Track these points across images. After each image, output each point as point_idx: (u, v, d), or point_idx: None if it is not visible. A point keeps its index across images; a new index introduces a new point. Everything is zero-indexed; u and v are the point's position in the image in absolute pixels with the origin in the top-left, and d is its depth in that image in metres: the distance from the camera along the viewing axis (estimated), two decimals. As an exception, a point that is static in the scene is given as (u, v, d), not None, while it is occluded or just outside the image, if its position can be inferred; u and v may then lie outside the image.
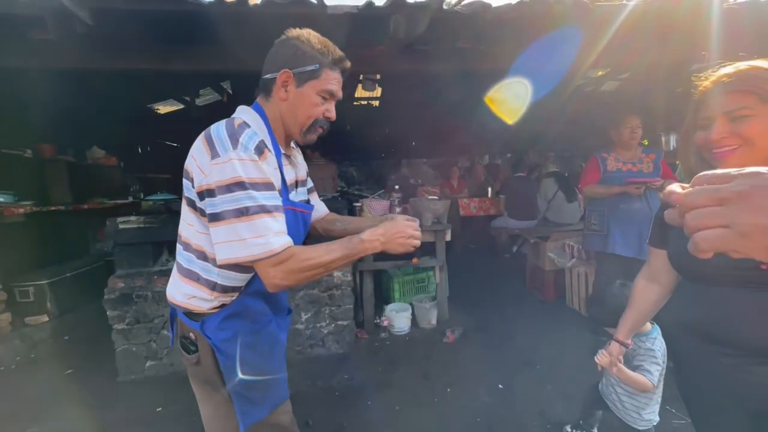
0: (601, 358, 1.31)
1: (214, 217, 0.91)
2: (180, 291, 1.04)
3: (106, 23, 1.52)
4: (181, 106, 5.05)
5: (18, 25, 1.53)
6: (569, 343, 2.92)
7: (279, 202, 0.96)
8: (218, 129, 0.94)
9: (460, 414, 2.17)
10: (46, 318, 3.35)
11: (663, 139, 3.66)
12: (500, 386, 2.42)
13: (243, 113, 1.04)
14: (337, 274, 2.87)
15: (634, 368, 1.44)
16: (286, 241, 0.94)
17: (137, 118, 5.33)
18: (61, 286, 3.51)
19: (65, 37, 1.62)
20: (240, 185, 0.89)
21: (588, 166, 2.94)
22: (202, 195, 0.94)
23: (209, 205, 0.92)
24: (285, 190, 1.06)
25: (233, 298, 1.05)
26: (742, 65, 0.86)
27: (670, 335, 1.16)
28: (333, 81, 1.04)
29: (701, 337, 0.94)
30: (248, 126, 0.97)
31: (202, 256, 1.01)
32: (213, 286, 1.01)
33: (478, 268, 4.91)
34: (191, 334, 1.03)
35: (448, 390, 2.41)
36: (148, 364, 2.67)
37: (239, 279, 1.03)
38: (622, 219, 2.72)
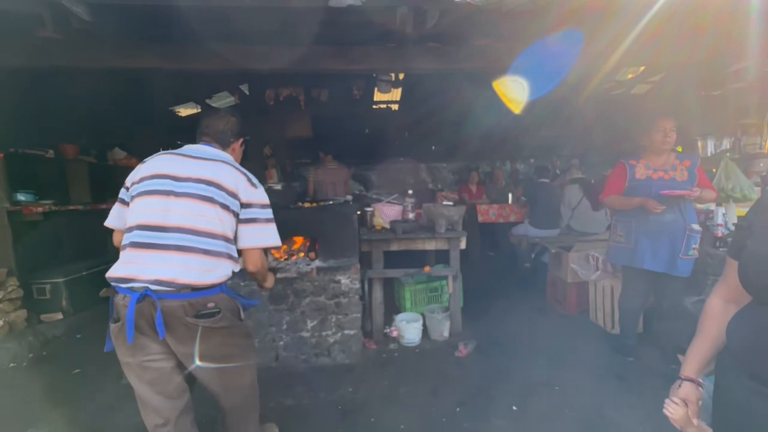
0: (673, 409, 0.96)
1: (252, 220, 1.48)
2: (208, 271, 1.36)
3: (105, 19, 1.49)
4: (199, 109, 5.11)
5: (21, 24, 1.52)
6: (592, 363, 2.71)
7: None
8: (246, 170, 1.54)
9: (468, 437, 2.02)
10: (60, 316, 3.41)
11: (699, 143, 3.39)
12: (514, 408, 2.24)
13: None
14: (344, 281, 2.77)
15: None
16: None
17: (159, 121, 5.44)
18: (76, 285, 3.57)
19: (68, 35, 1.59)
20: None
21: (613, 173, 2.73)
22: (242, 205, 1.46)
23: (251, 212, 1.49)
24: None
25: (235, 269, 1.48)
26: None
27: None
28: None
29: (745, 370, 0.79)
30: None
31: (226, 239, 1.43)
32: (235, 259, 1.46)
33: (495, 277, 4.71)
34: (210, 304, 1.37)
35: (458, 409, 2.25)
36: (152, 367, 2.63)
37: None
38: (652, 231, 2.50)
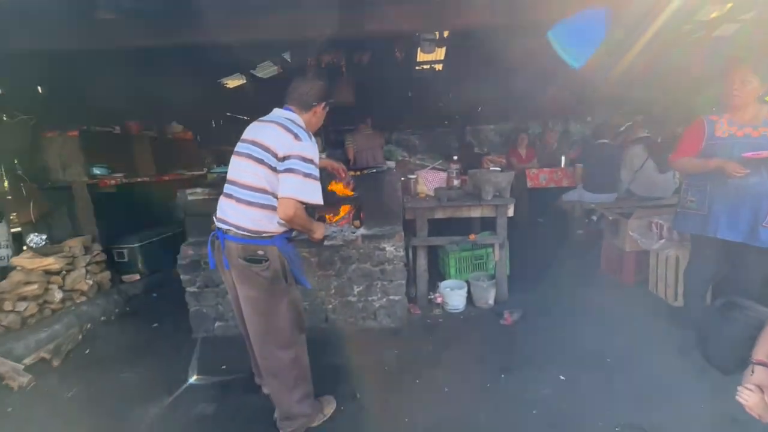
0: (747, 396, 0.91)
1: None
2: (255, 220, 1.58)
3: (152, -3, 1.53)
4: (244, 81, 5.21)
5: (77, 7, 1.60)
6: (651, 336, 2.58)
7: None
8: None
9: (514, 403, 2.04)
10: (138, 276, 3.82)
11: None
12: (562, 377, 2.22)
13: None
14: (389, 248, 2.80)
15: None
16: None
17: (210, 93, 5.62)
18: (149, 249, 3.95)
19: (120, 16, 1.65)
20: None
21: (688, 131, 2.42)
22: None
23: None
24: None
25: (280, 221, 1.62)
26: None
27: None
28: None
29: None
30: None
31: (266, 192, 1.59)
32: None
33: (544, 245, 4.53)
34: (259, 251, 1.61)
35: (503, 376, 2.27)
36: (216, 324, 2.91)
37: None
38: (730, 196, 2.23)
